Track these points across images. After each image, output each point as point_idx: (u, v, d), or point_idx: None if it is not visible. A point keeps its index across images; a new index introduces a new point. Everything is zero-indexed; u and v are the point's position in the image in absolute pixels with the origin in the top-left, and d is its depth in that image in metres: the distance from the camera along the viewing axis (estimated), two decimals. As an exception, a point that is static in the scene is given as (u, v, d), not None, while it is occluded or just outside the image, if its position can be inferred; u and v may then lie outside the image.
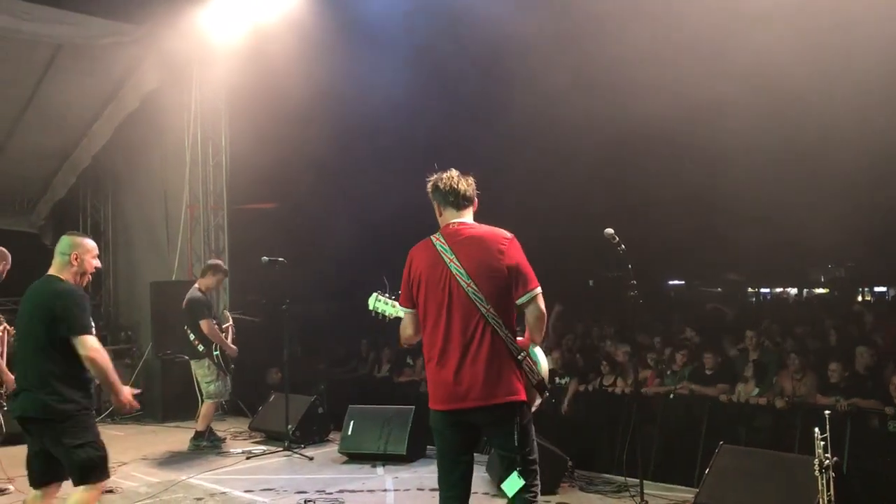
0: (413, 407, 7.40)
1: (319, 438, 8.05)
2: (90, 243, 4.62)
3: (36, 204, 13.00)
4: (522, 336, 3.82)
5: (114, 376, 4.33)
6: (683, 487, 6.14)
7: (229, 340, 7.92)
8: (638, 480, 5.66)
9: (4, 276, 6.28)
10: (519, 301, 3.71)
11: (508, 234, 3.77)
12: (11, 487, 6.15)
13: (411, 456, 7.07)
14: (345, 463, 7.20)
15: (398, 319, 4.08)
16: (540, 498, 3.75)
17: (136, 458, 7.54)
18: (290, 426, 7.73)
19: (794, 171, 11.25)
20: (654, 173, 11.89)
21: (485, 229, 3.81)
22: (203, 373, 7.85)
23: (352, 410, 7.46)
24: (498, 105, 11.16)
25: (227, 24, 9.74)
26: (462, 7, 8.89)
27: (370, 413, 7.43)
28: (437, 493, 5.95)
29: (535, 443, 3.75)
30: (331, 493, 6.11)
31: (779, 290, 24.32)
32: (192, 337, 7.79)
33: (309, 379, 10.21)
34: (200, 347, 7.74)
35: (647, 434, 7.29)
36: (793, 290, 23.71)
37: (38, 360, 4.25)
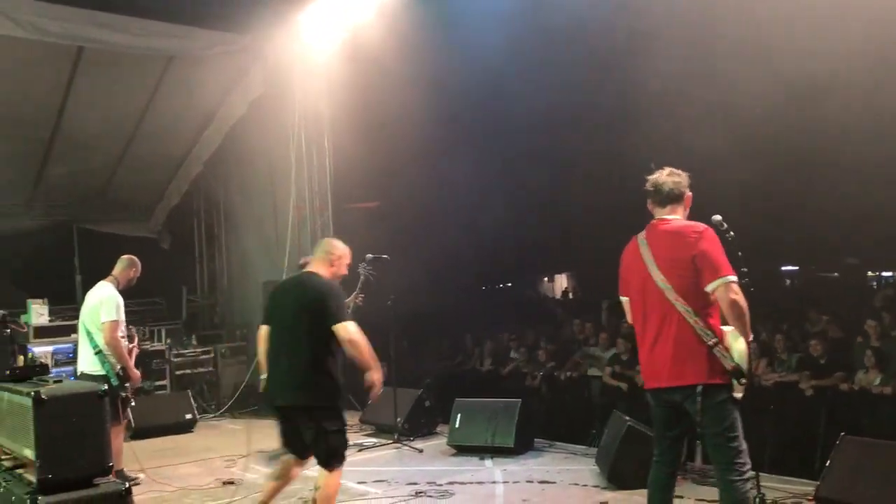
0: (520, 400, 7.41)
1: (428, 431, 8.16)
2: (348, 251, 5.07)
3: (153, 210, 13.69)
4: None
5: (372, 354, 4.67)
6: (803, 480, 5.91)
7: None
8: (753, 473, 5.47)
9: (134, 282, 6.67)
10: (707, 288, 3.85)
11: (700, 227, 3.98)
12: (142, 476, 6.51)
13: (519, 448, 7.09)
14: (453, 455, 7.28)
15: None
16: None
17: (254, 451, 7.84)
18: (399, 419, 7.87)
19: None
20: (766, 154, 11.41)
21: (679, 224, 4.05)
22: None
23: (459, 403, 7.54)
24: (610, 95, 10.90)
25: (326, 28, 9.98)
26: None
27: (477, 406, 7.48)
28: (545, 486, 6.04)
29: (736, 426, 3.88)
30: (441, 485, 6.19)
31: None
32: None
33: (415, 373, 10.36)
34: None
35: (760, 425, 7.05)
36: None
37: (301, 350, 4.63)
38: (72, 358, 9.33)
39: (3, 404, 3.76)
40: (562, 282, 26.94)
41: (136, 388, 6.86)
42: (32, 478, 3.37)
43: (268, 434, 8.75)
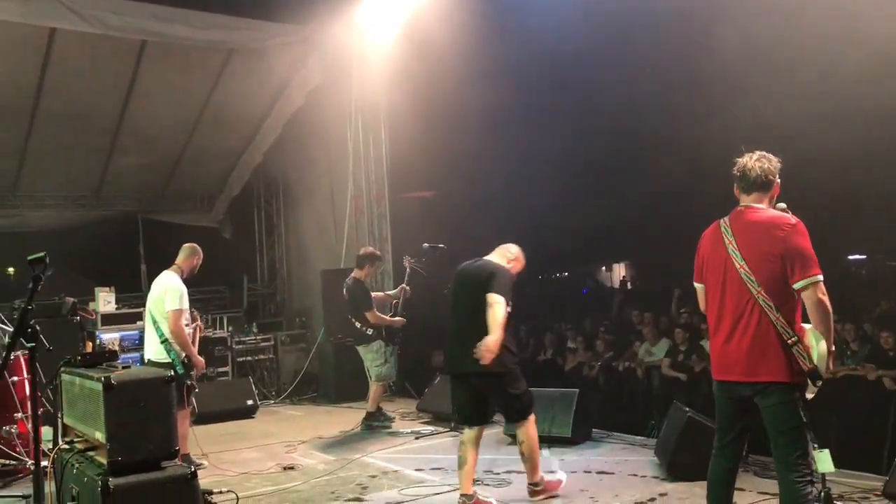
0: (577, 389, 7.34)
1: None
2: (522, 255, 5.70)
3: (215, 201, 13.97)
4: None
5: (502, 324, 5.11)
6: (870, 475, 5.74)
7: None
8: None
9: (197, 270, 6.83)
10: (795, 286, 3.74)
11: (793, 220, 3.80)
12: (206, 463, 6.65)
13: (577, 438, 7.03)
14: (510, 444, 7.24)
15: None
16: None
17: (313, 437, 7.97)
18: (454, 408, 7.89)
19: None
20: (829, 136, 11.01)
21: (769, 214, 3.89)
22: (371, 357, 8.16)
23: (520, 393, 7.50)
24: (680, 76, 10.60)
25: (384, 16, 10.01)
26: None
27: (541, 396, 7.43)
28: (603, 476, 5.99)
29: (804, 426, 3.76)
30: (498, 474, 6.18)
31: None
32: (357, 325, 8.12)
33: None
34: (369, 332, 8.06)
35: (827, 418, 6.88)
36: None
37: (482, 324, 5.11)
38: (137, 344, 9.62)
39: (76, 389, 3.89)
40: (620, 271, 26.66)
41: (200, 374, 7.01)
42: (103, 460, 3.47)
43: (326, 421, 8.96)
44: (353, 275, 8.35)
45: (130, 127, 11.42)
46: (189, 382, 6.45)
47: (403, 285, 8.28)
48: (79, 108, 10.66)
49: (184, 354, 6.34)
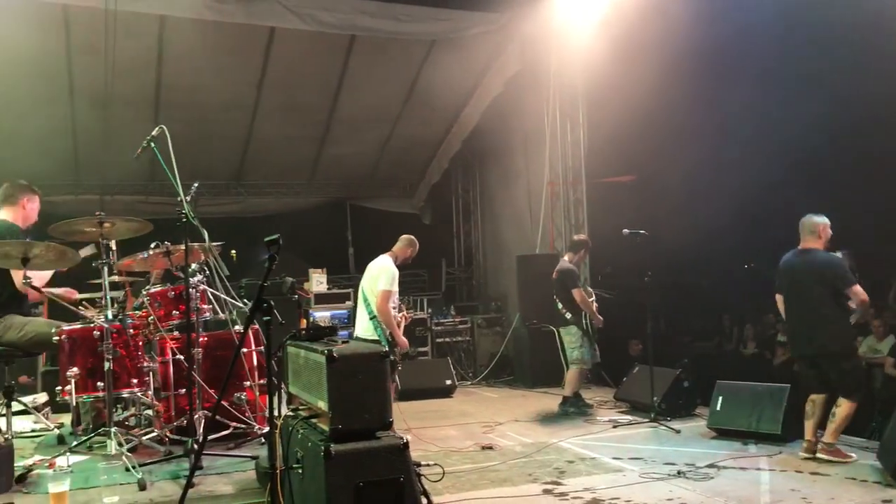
0: (788, 385, 6.93)
1: (686, 412, 7.91)
2: (826, 221, 6.18)
3: (416, 188, 14.50)
4: None
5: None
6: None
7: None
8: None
9: (410, 261, 7.25)
10: None
11: None
12: (408, 437, 6.95)
13: (786, 436, 6.63)
14: (713, 438, 6.99)
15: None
16: None
17: (510, 420, 8.09)
18: (655, 398, 7.72)
19: None
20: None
21: None
22: (569, 339, 8.21)
23: (721, 386, 7.22)
24: None
25: (583, 3, 9.89)
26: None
27: (740, 389, 7.12)
28: (817, 477, 5.63)
29: None
30: (700, 467, 5.97)
31: None
32: (559, 305, 8.19)
33: (671, 352, 10.07)
34: (568, 315, 8.10)
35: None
36: None
37: (818, 312, 5.98)
38: (346, 323, 10.23)
39: (300, 360, 4.21)
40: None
41: (403, 353, 7.37)
42: (325, 427, 3.74)
43: (522, 405, 9.07)
44: (564, 257, 8.55)
45: (340, 118, 12.11)
46: (393, 359, 6.80)
47: (593, 298, 8.33)
48: (295, 101, 11.45)
49: (388, 332, 6.72)
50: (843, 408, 5.94)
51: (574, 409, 8.16)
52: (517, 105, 11.58)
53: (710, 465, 6.00)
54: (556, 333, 8.53)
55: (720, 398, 7.12)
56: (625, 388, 8.61)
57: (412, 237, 7.29)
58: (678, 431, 7.27)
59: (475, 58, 11.19)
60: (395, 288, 6.87)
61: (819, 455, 5.96)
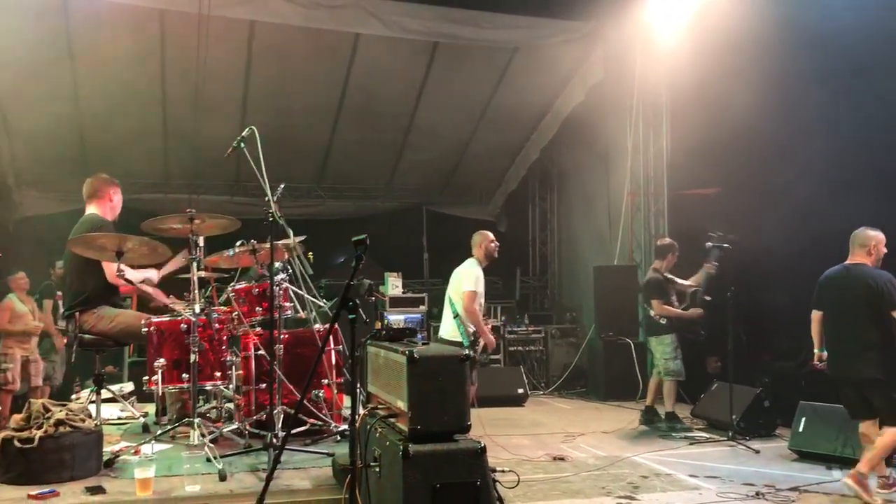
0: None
1: (766, 432, 7.68)
2: (882, 236, 5.85)
3: (493, 195, 14.51)
4: None
5: None
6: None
7: None
8: None
9: (494, 254, 7.33)
10: None
11: None
12: (482, 441, 6.94)
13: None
14: (794, 461, 6.77)
15: None
16: None
17: (582, 431, 7.99)
18: (734, 417, 7.52)
19: None
20: None
21: None
22: (663, 350, 8.07)
23: (804, 407, 6.98)
24: None
25: (671, 8, 9.75)
26: None
27: (825, 411, 6.87)
28: (911, 508, 5.38)
29: None
30: (781, 490, 5.78)
31: None
32: (651, 313, 8.08)
33: (752, 370, 9.75)
34: (662, 321, 7.99)
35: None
36: None
37: (863, 331, 5.65)
38: (420, 328, 10.31)
39: (380, 360, 4.26)
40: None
41: (483, 354, 7.40)
42: (404, 427, 3.76)
43: (595, 417, 8.95)
44: (653, 265, 8.42)
45: (420, 124, 12.21)
46: (471, 355, 6.83)
47: (705, 266, 8.08)
48: (377, 106, 11.60)
49: (472, 330, 6.88)
50: (886, 437, 5.53)
51: (680, 426, 8.03)
52: (599, 114, 11.46)
53: (792, 489, 5.81)
54: (643, 344, 8.35)
55: (803, 419, 6.89)
56: (702, 405, 8.42)
57: (484, 231, 7.41)
58: (757, 452, 7.07)
59: (558, 66, 11.14)
60: (480, 289, 7.01)
61: (845, 481, 5.54)
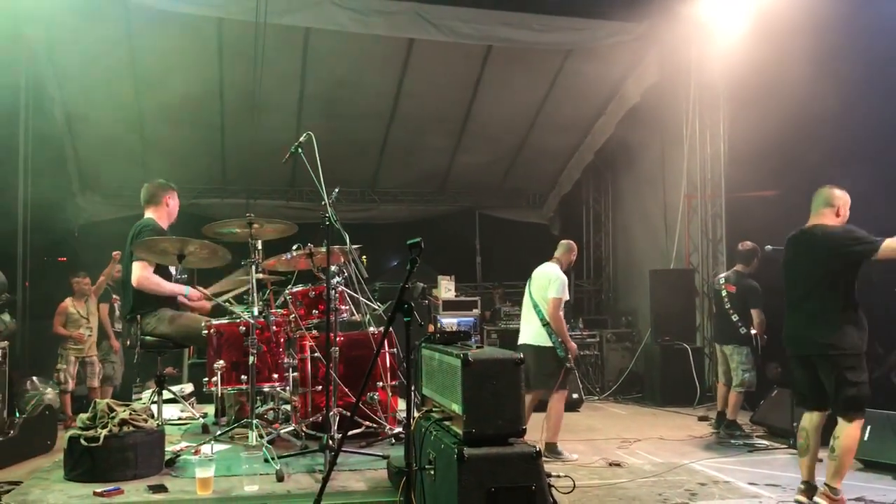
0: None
1: (827, 441, 7.47)
2: (847, 197, 5.26)
3: (546, 198, 14.43)
4: None
5: None
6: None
7: None
8: None
9: (573, 262, 7.42)
10: None
11: None
12: (576, 456, 6.92)
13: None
14: (860, 470, 6.58)
15: None
16: None
17: (638, 437, 7.90)
18: (794, 423, 7.33)
19: None
20: None
21: None
22: (739, 359, 7.95)
23: (870, 415, 6.74)
24: None
25: (726, 9, 9.58)
26: None
27: (892, 420, 6.67)
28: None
29: None
30: (846, 500, 5.63)
31: None
32: (735, 318, 7.96)
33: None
34: (743, 329, 7.89)
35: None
36: None
37: (822, 299, 4.97)
38: (473, 331, 10.30)
39: (435, 363, 4.27)
40: None
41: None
42: (458, 430, 3.76)
43: (651, 423, 8.83)
44: (736, 268, 8.27)
45: (473, 128, 12.23)
46: (568, 365, 6.83)
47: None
48: (430, 110, 11.66)
49: (560, 339, 6.80)
50: (843, 438, 5.01)
51: (741, 433, 7.88)
52: (654, 115, 11.33)
53: (858, 499, 5.65)
54: (701, 349, 8.21)
55: (868, 428, 6.68)
56: (762, 412, 8.24)
57: (570, 242, 7.40)
58: (819, 460, 6.88)
59: (612, 67, 11.04)
60: (567, 295, 6.92)
61: (817, 500, 5.13)
